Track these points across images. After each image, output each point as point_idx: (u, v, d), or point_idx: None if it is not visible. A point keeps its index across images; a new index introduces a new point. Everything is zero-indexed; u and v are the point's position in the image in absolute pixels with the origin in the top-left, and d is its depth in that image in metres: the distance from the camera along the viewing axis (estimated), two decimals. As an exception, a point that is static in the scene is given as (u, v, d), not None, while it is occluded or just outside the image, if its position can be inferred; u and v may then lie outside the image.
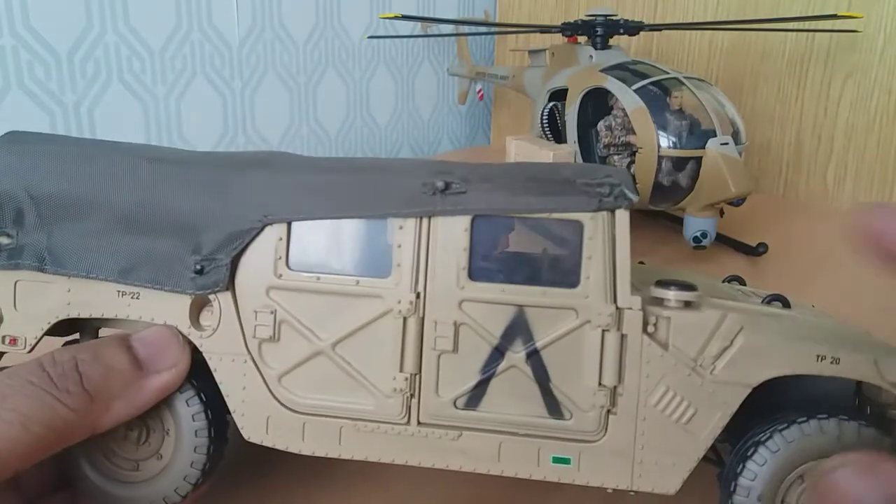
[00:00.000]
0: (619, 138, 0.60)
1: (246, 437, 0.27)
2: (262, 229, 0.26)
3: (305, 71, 0.91)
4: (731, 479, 0.25)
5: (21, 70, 0.69)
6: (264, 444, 0.27)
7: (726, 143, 0.56)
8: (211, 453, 0.27)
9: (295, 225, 0.26)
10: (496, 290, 0.25)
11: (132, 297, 0.27)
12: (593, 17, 0.67)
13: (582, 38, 0.70)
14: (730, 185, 0.55)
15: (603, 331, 0.25)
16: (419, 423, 0.26)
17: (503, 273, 0.25)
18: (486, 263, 0.25)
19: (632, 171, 0.59)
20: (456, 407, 0.26)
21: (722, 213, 0.60)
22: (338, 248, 0.26)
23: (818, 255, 0.64)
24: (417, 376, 0.26)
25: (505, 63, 1.06)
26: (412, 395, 0.26)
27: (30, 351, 0.27)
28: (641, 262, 0.31)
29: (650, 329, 0.25)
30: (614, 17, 0.68)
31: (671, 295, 0.25)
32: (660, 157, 0.56)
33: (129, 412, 0.25)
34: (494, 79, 0.89)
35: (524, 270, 0.25)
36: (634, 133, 0.58)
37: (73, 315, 0.27)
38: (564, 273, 0.25)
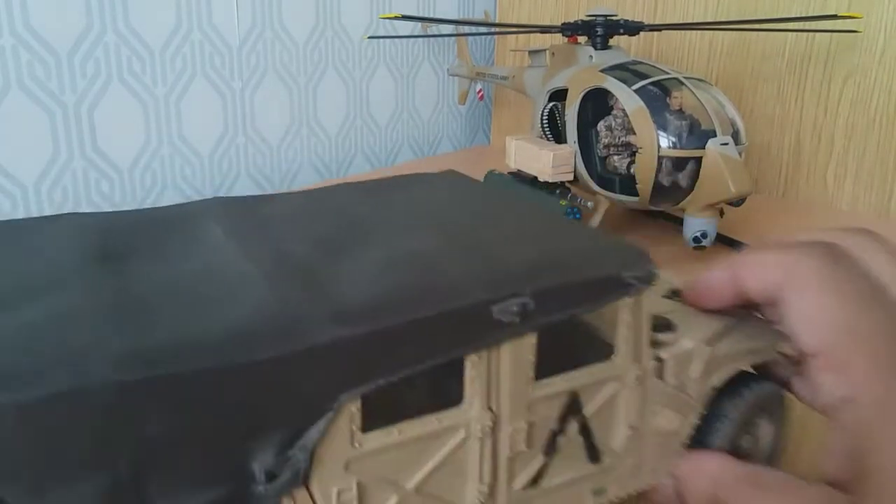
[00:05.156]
0: (619, 138, 0.60)
1: None
2: (336, 410, 0.23)
3: (305, 71, 0.91)
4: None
5: (21, 70, 0.69)
6: None
7: (726, 144, 0.56)
8: None
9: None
10: (556, 383, 0.26)
11: None
12: (593, 18, 0.67)
13: (582, 39, 0.70)
14: (730, 186, 0.55)
15: (633, 386, 0.28)
16: None
17: (560, 364, 0.26)
18: (545, 361, 0.26)
19: (632, 171, 0.59)
20: (523, 490, 0.27)
21: (722, 213, 0.60)
22: (410, 397, 0.25)
23: (818, 255, 0.64)
24: (495, 481, 0.26)
25: (505, 63, 1.06)
26: (490, 495, 0.26)
27: None
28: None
29: (657, 371, 0.28)
30: (614, 18, 0.68)
31: (663, 339, 0.29)
32: (660, 158, 0.56)
33: None
34: (494, 79, 0.89)
35: (574, 358, 0.27)
36: (634, 133, 0.58)
37: None
38: (606, 350, 0.28)
